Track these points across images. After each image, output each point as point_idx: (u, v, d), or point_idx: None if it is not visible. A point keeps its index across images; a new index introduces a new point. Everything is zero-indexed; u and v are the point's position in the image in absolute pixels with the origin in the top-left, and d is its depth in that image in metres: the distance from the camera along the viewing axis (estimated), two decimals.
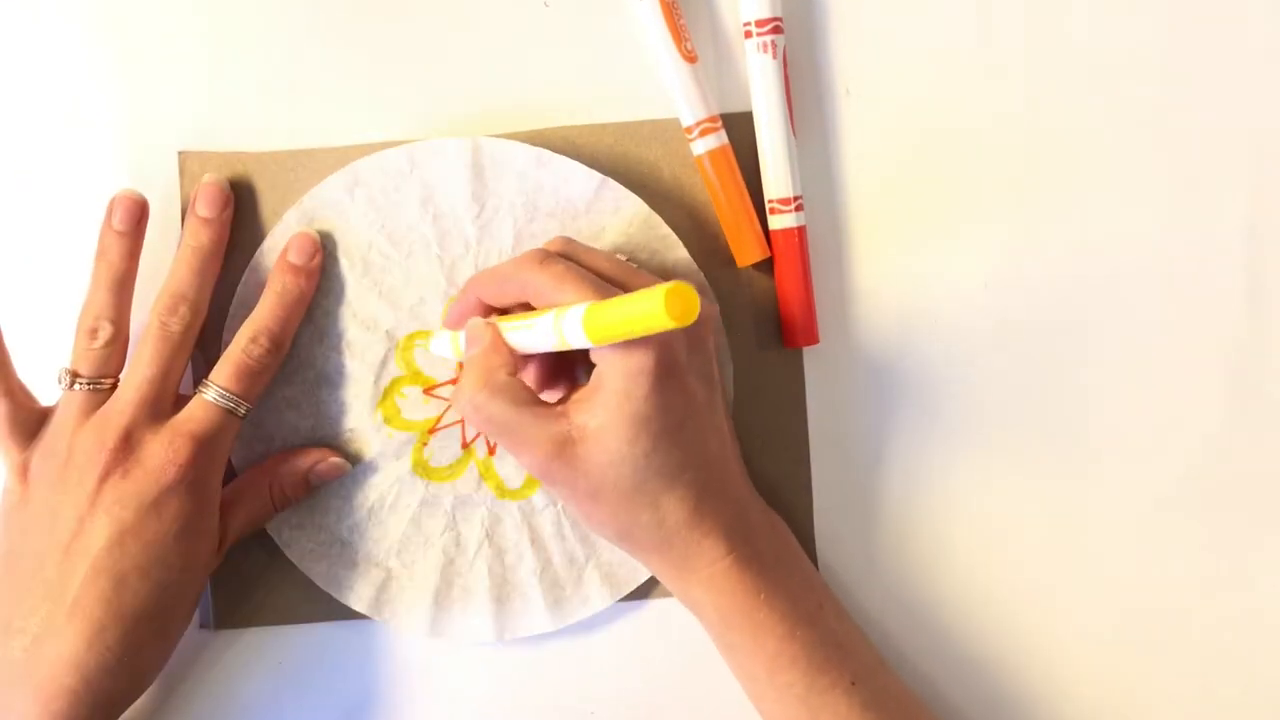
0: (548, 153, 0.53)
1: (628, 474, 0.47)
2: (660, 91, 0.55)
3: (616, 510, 0.48)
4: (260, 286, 0.53)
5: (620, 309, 0.43)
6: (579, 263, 0.49)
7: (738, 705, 0.54)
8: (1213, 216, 0.56)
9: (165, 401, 0.50)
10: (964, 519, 0.56)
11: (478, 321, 0.50)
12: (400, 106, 0.55)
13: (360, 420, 0.54)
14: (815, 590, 0.52)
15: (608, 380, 0.47)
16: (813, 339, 0.54)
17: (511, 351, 0.49)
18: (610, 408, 0.47)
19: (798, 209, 0.54)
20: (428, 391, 0.54)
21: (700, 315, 0.49)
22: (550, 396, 0.52)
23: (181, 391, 0.52)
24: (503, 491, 0.54)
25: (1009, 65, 0.56)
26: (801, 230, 0.54)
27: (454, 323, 0.52)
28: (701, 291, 0.53)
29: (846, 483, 0.56)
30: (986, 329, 0.56)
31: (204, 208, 0.52)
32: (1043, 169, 0.56)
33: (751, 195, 0.55)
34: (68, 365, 0.51)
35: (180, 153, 0.54)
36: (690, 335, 0.49)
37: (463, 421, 0.55)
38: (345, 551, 0.54)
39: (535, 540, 0.54)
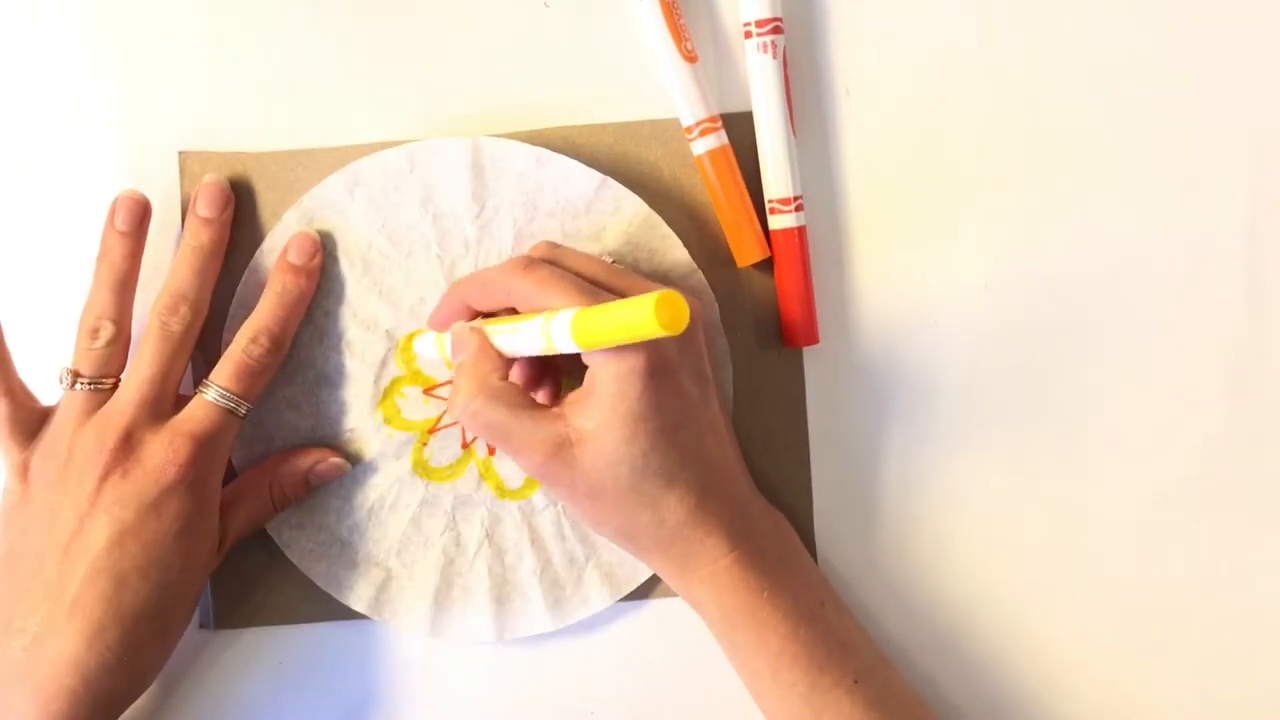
0: (547, 152, 0.53)
1: (626, 474, 0.47)
2: (660, 91, 0.55)
3: (617, 510, 0.48)
4: (260, 286, 0.53)
5: (609, 316, 0.43)
6: (564, 267, 0.49)
7: (737, 705, 0.54)
8: (1213, 216, 0.56)
9: (166, 401, 0.50)
10: (964, 519, 0.56)
11: (463, 326, 0.50)
12: (400, 106, 0.55)
13: (360, 420, 0.54)
14: (817, 588, 0.52)
15: (601, 381, 0.47)
16: (813, 339, 0.54)
17: (500, 355, 0.49)
18: (605, 409, 0.47)
19: (798, 209, 0.54)
20: (428, 391, 0.54)
21: (690, 314, 0.49)
22: (537, 397, 0.52)
23: (182, 392, 0.52)
24: (503, 491, 0.54)
25: (1009, 65, 0.56)
26: (801, 230, 0.54)
27: (438, 324, 0.52)
28: (699, 292, 0.54)
29: (846, 483, 0.56)
30: (986, 329, 0.56)
31: (204, 208, 0.52)
32: (1043, 169, 0.56)
33: (751, 195, 0.55)
34: (69, 365, 0.51)
35: (180, 152, 0.54)
36: (682, 335, 0.48)
37: None
38: (345, 551, 0.54)
39: (535, 540, 0.54)
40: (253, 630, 0.55)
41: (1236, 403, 0.56)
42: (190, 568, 0.50)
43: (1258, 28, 0.56)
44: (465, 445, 0.55)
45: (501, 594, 0.54)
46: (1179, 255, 0.56)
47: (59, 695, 0.47)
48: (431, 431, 0.54)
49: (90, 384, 0.50)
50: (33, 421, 0.51)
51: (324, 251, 0.53)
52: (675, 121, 0.55)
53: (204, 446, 0.50)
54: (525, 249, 0.53)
